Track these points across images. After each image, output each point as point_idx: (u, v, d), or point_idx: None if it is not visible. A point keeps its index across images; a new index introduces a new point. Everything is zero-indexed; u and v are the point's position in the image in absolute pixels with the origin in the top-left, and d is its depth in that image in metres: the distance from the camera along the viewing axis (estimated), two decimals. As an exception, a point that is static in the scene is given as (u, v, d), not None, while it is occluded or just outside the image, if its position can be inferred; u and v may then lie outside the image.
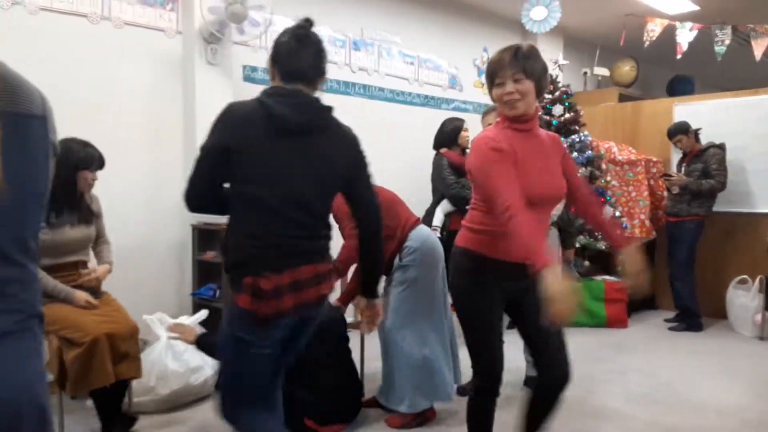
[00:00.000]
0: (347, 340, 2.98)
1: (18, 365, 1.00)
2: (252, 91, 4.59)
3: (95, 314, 2.63)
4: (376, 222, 1.92)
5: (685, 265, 4.85)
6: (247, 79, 4.15)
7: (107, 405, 2.75)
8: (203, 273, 3.59)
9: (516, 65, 1.90)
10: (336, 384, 2.79)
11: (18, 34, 3.19)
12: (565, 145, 4.95)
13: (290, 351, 1.90)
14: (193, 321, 3.23)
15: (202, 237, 3.61)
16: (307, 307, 1.77)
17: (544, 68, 1.99)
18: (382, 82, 5.03)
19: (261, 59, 4.24)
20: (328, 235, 1.85)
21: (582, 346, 4.33)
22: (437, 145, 4.24)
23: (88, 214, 2.83)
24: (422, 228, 2.89)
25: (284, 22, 4.55)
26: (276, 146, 1.71)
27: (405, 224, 2.83)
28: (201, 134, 3.73)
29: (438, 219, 4.12)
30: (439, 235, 3.88)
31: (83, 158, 2.72)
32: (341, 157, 1.83)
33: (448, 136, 4.17)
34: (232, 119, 1.73)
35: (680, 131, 4.87)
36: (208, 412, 3.05)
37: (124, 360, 2.61)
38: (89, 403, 3.07)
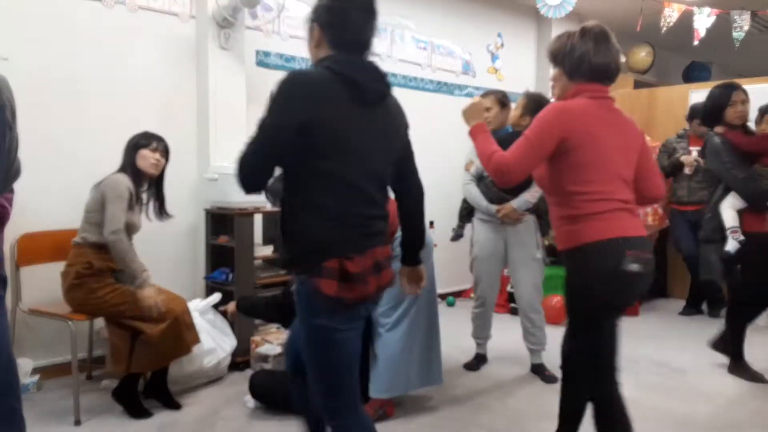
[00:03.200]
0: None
1: None
2: (265, 76, 4.60)
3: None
4: (421, 192, 1.88)
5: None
6: (260, 63, 4.14)
7: (159, 383, 2.92)
8: (216, 257, 3.62)
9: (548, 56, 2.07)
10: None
11: (33, 19, 3.20)
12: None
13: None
14: (206, 304, 3.26)
15: (215, 221, 3.63)
16: (384, 290, 1.72)
17: (560, 49, 2.01)
18: (394, 67, 5.01)
19: (274, 44, 4.23)
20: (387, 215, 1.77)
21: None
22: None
23: (163, 209, 3.06)
24: None
25: (297, 6, 4.53)
26: (355, 118, 1.61)
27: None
28: (214, 119, 3.78)
29: (733, 218, 3.35)
30: (742, 237, 3.28)
31: (141, 136, 2.92)
32: (401, 128, 1.79)
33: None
34: (310, 92, 1.54)
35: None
36: (220, 394, 3.09)
37: (189, 330, 2.88)
38: (104, 383, 3.13)
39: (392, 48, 5.01)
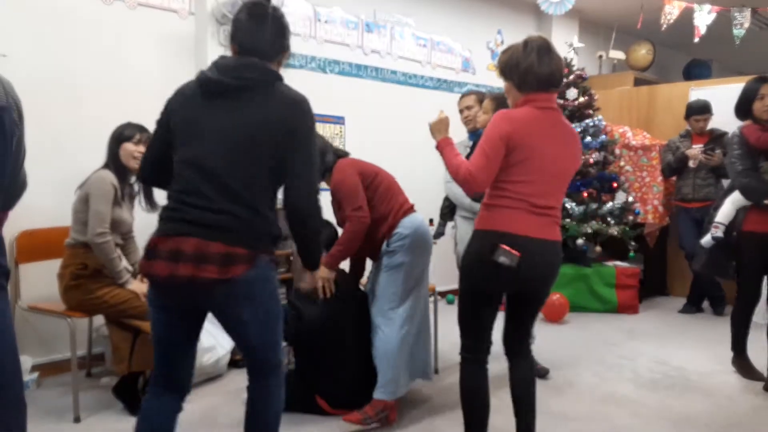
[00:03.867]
0: (363, 323, 2.99)
1: (2, 317, 1.24)
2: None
3: None
4: (297, 206, 1.71)
5: None
6: (259, 60, 4.13)
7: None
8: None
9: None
10: (356, 367, 2.78)
11: (30, 15, 3.19)
12: (579, 130, 4.93)
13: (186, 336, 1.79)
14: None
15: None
16: (181, 283, 1.61)
17: (508, 63, 2.12)
18: (394, 64, 5.00)
19: (273, 41, 4.22)
20: (240, 213, 1.63)
21: (593, 332, 4.33)
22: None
23: (132, 195, 2.94)
24: (416, 216, 2.83)
25: (296, 3, 4.52)
26: (193, 109, 1.71)
27: (399, 210, 2.77)
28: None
29: (724, 214, 3.28)
30: (720, 234, 3.28)
31: (125, 128, 2.85)
32: (269, 124, 1.66)
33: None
34: (173, 93, 1.80)
35: (710, 111, 4.79)
36: (219, 392, 3.09)
37: None
38: (104, 380, 3.13)
39: (392, 45, 5.00)
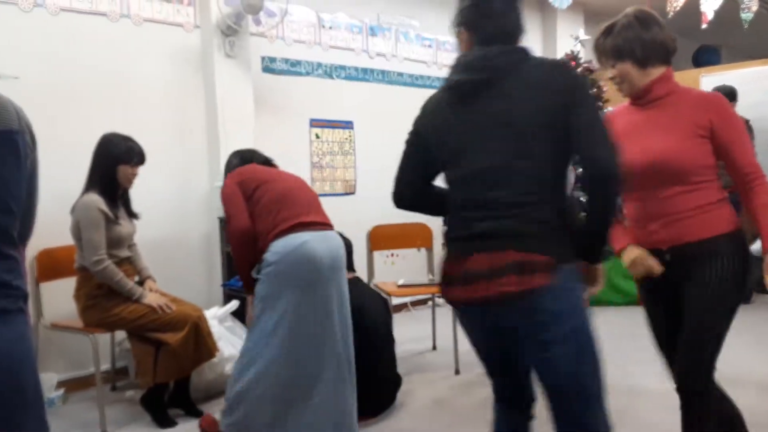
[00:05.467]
0: (389, 326, 2.98)
1: (23, 339, 1.21)
2: (271, 82, 4.60)
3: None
4: (598, 187, 1.46)
5: None
6: (266, 70, 4.15)
7: (182, 391, 2.92)
8: (232, 264, 3.63)
9: (605, 52, 1.86)
10: (375, 373, 2.76)
11: (40, 36, 3.23)
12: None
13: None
14: (225, 311, 3.27)
15: (229, 229, 3.64)
16: (486, 302, 1.44)
17: (634, 38, 1.82)
18: (400, 66, 5.00)
19: (279, 50, 4.24)
20: (535, 216, 1.43)
21: (614, 325, 4.28)
22: None
23: (131, 210, 2.96)
24: (294, 238, 2.28)
25: (300, 11, 4.54)
26: (451, 118, 1.55)
27: (273, 229, 2.30)
28: (223, 127, 3.79)
29: None
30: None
31: (123, 152, 2.81)
32: (539, 99, 1.45)
33: None
34: (423, 107, 1.67)
35: (735, 98, 4.67)
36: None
37: (209, 337, 2.86)
38: (129, 393, 3.15)
39: (397, 47, 5.00)
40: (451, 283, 1.52)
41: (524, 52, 1.54)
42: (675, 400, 2.92)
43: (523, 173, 1.45)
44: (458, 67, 1.55)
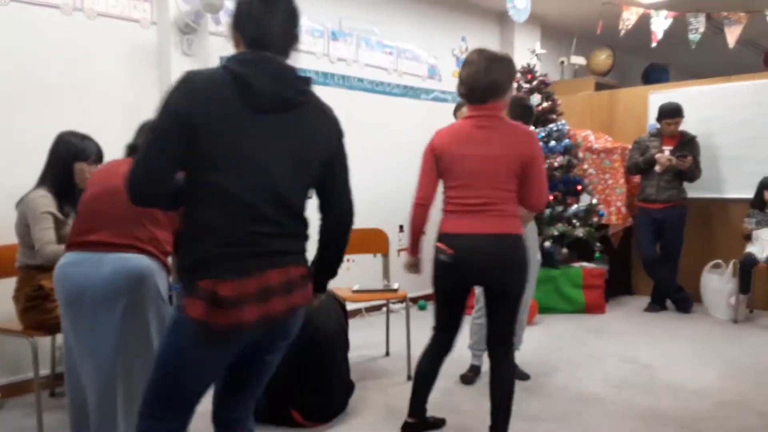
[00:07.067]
0: (345, 332, 2.97)
1: None
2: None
3: None
4: (346, 220, 1.67)
5: (679, 248, 4.97)
6: (224, 70, 4.09)
7: None
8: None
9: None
10: (328, 378, 2.76)
11: (-13, 26, 3.11)
12: (543, 134, 4.99)
13: (253, 369, 1.64)
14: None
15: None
16: (274, 320, 1.49)
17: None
18: (361, 72, 5.01)
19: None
20: (304, 233, 1.58)
21: (561, 332, 4.39)
22: None
23: (75, 203, 2.80)
24: (66, 256, 2.17)
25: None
26: (249, 124, 1.44)
27: (69, 240, 2.19)
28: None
29: None
30: None
31: (81, 150, 2.73)
32: (321, 140, 1.57)
33: None
34: (194, 90, 1.42)
35: (681, 114, 4.86)
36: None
37: None
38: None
39: (358, 53, 5.01)
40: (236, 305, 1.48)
41: (309, 82, 1.59)
42: (618, 404, 3.02)
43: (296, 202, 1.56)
44: (259, 69, 1.46)
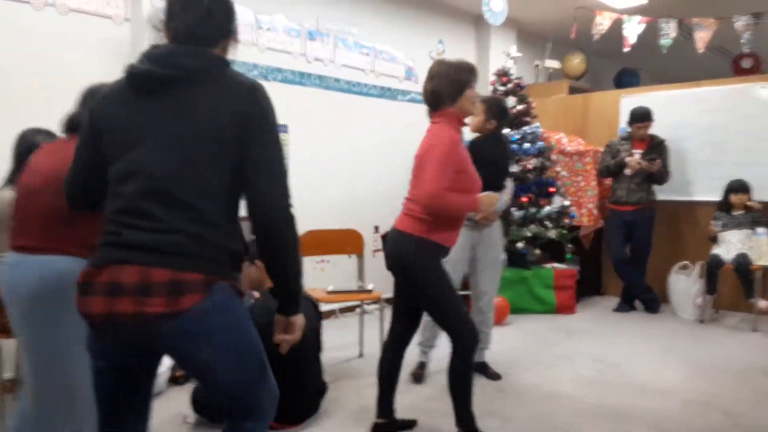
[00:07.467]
0: (319, 333, 2.97)
1: None
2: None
3: None
4: (271, 219, 1.45)
5: (648, 250, 5.08)
6: (199, 68, 4.06)
7: None
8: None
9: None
10: (300, 379, 2.75)
11: (-46, 20, 3.04)
12: (517, 137, 5.07)
13: (141, 383, 1.51)
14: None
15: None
16: (121, 324, 1.34)
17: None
18: (338, 72, 5.01)
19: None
20: (198, 232, 1.37)
21: (532, 333, 4.45)
22: None
23: None
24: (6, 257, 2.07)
25: (237, 11, 4.46)
26: (132, 113, 1.43)
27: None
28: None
29: None
30: None
31: (36, 145, 2.63)
32: (216, 117, 1.40)
33: None
34: (100, 96, 1.51)
35: (651, 118, 4.96)
36: (158, 410, 3.01)
37: None
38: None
39: (335, 53, 5.01)
40: (88, 293, 1.42)
41: (221, 62, 1.47)
42: (587, 404, 3.07)
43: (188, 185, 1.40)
44: (145, 57, 1.46)
